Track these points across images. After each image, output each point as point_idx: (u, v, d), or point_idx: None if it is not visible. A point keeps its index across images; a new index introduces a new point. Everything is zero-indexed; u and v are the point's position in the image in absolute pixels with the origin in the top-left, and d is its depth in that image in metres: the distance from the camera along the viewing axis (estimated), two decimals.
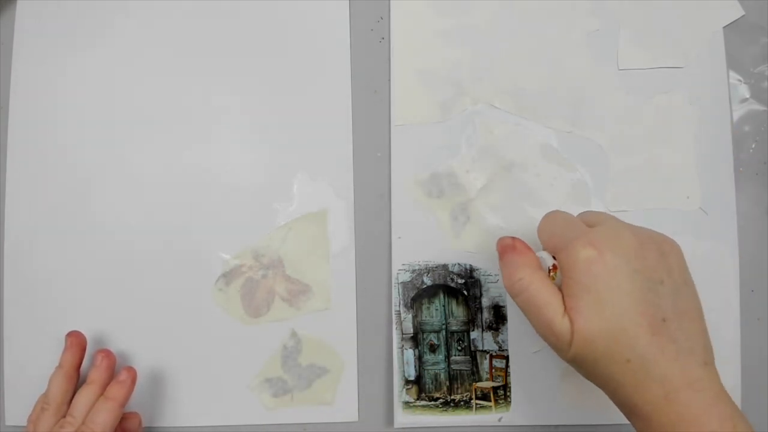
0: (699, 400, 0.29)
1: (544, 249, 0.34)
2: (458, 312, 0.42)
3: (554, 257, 0.33)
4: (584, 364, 0.31)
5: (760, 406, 0.42)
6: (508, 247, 0.33)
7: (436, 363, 0.42)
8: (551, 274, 0.33)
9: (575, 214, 0.35)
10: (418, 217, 0.43)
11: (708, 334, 0.31)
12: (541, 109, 0.44)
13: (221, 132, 0.44)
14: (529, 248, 0.34)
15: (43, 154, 0.44)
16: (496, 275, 0.42)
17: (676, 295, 0.30)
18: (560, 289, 0.31)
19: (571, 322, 0.30)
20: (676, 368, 0.29)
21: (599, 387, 0.31)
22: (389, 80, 0.44)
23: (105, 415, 0.37)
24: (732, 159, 0.43)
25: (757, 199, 0.43)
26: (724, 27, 0.44)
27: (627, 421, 0.42)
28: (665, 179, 0.43)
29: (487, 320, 0.42)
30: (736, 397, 0.41)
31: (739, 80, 0.44)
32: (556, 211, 0.35)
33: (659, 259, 0.31)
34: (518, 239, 0.34)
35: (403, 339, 0.42)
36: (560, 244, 0.32)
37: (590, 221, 0.33)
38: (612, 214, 0.42)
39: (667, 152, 0.44)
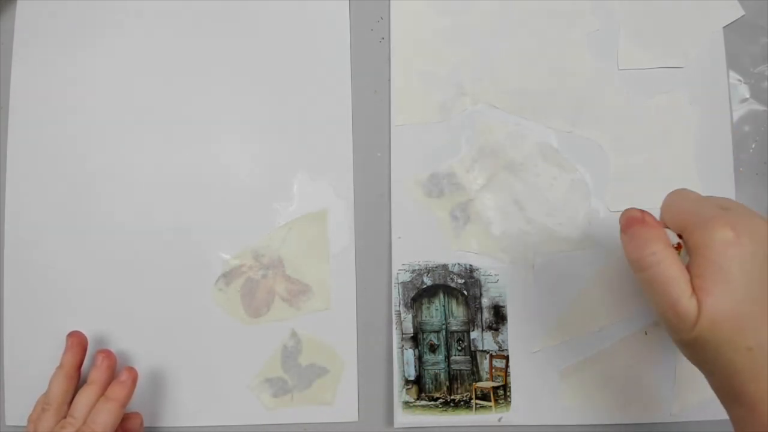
0: None
1: (667, 226, 0.33)
2: (458, 312, 0.42)
3: (679, 236, 0.32)
4: (704, 348, 0.30)
5: None
6: (636, 220, 0.32)
7: (436, 363, 0.42)
8: (676, 252, 0.31)
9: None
10: (418, 217, 0.43)
11: None
12: (541, 109, 0.44)
13: (221, 132, 0.44)
14: (659, 222, 0.32)
15: (43, 154, 0.44)
16: (496, 275, 0.42)
17: None
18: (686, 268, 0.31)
19: (699, 302, 0.29)
20: None
21: (708, 373, 0.31)
22: (389, 80, 0.44)
23: (106, 415, 0.37)
24: (732, 159, 0.43)
25: (757, 199, 0.43)
26: (724, 27, 0.44)
27: (626, 421, 0.42)
28: (665, 179, 0.43)
29: (487, 320, 0.42)
30: None
31: (739, 80, 0.44)
32: (686, 189, 0.34)
33: None
34: (647, 212, 0.32)
35: (403, 339, 0.42)
36: (693, 222, 0.31)
37: (721, 204, 0.32)
38: (611, 214, 0.43)
39: (667, 152, 0.44)
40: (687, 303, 0.29)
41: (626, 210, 0.33)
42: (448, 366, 0.42)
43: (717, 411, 0.41)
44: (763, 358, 0.28)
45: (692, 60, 0.44)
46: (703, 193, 0.43)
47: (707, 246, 0.30)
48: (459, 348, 0.42)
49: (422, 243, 0.43)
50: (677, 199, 0.33)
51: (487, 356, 0.42)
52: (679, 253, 0.31)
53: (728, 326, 0.29)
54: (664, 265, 0.30)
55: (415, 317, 0.42)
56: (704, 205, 0.32)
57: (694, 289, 0.30)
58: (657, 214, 0.42)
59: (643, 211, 0.33)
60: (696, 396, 0.41)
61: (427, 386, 0.42)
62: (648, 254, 0.31)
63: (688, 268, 0.30)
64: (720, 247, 0.29)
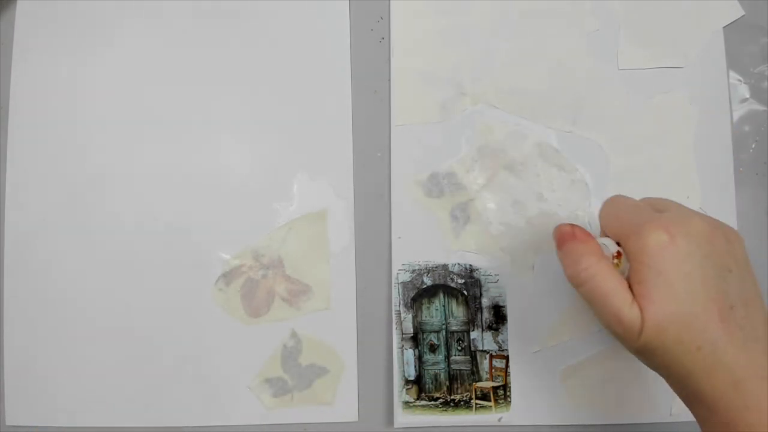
0: (765, 389, 0.28)
1: (604, 235, 0.33)
2: (458, 312, 0.42)
3: (618, 243, 0.32)
4: (654, 354, 0.30)
5: None
6: (567, 235, 0.32)
7: (436, 363, 0.42)
8: (615, 261, 0.31)
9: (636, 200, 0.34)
10: (418, 217, 0.43)
11: None
12: (541, 109, 0.44)
13: (221, 132, 0.44)
14: (590, 235, 0.32)
15: (43, 154, 0.44)
16: (496, 275, 0.42)
17: (742, 283, 0.30)
18: (625, 277, 0.31)
19: (641, 309, 0.29)
20: (744, 356, 0.28)
21: (665, 377, 0.31)
22: (389, 80, 0.44)
23: None
24: (732, 159, 0.43)
25: (757, 199, 0.43)
26: (724, 27, 0.44)
27: (626, 421, 0.42)
28: (665, 179, 0.43)
29: (487, 320, 0.42)
30: None
31: (739, 80, 0.44)
32: (620, 196, 0.34)
33: (727, 246, 0.30)
34: (577, 226, 0.33)
35: (403, 339, 0.42)
36: (628, 229, 0.31)
37: (657, 206, 0.32)
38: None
39: (667, 152, 0.44)
40: (629, 312, 0.29)
41: (558, 226, 0.33)
42: (448, 366, 0.42)
43: None
44: (713, 356, 0.29)
45: (692, 60, 0.44)
46: (703, 194, 0.44)
47: (643, 251, 0.30)
48: (459, 348, 0.42)
49: (422, 243, 0.43)
50: (612, 207, 0.34)
51: (487, 356, 0.42)
52: (620, 262, 0.31)
53: (674, 329, 0.29)
54: (598, 278, 0.30)
55: (415, 317, 0.42)
56: (638, 211, 0.32)
57: (635, 297, 0.30)
58: None
59: (573, 226, 0.33)
60: None
61: (427, 386, 0.42)
62: (581, 270, 0.31)
63: (629, 275, 0.30)
64: (655, 252, 0.29)
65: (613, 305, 0.30)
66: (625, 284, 0.30)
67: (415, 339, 0.42)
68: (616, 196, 0.34)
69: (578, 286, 0.31)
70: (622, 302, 0.29)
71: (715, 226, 0.31)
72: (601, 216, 0.34)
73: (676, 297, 0.29)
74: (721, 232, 0.31)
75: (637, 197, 0.43)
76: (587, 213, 0.43)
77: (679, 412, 0.41)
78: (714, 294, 0.29)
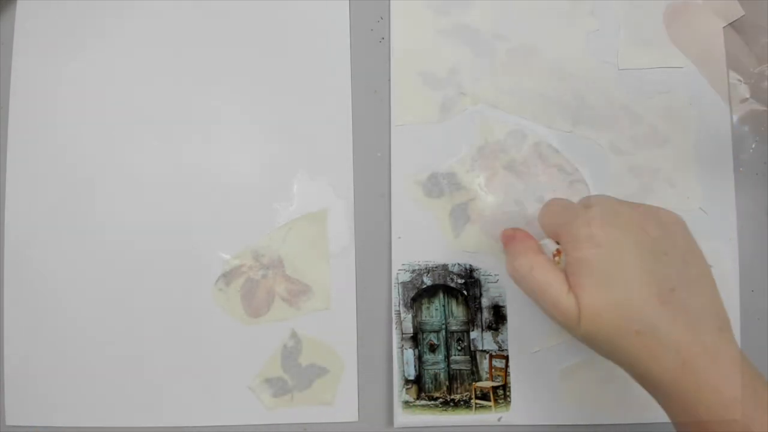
0: (716, 367, 0.29)
1: (546, 237, 0.35)
2: (458, 312, 0.42)
3: (557, 242, 0.33)
4: (596, 341, 0.31)
5: None
6: (509, 238, 0.35)
7: (436, 363, 0.42)
8: (556, 258, 0.33)
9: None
10: (418, 217, 0.43)
11: (721, 302, 0.31)
12: (541, 109, 0.44)
13: (221, 132, 0.44)
14: (529, 235, 0.35)
15: (43, 154, 0.44)
16: (496, 275, 0.42)
17: (683, 264, 0.31)
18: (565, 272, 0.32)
19: (577, 298, 0.30)
20: (689, 336, 0.29)
21: (618, 364, 0.31)
22: (389, 80, 0.44)
23: None
24: (732, 159, 0.43)
25: (757, 199, 0.43)
26: (724, 27, 0.44)
27: (626, 421, 0.42)
28: (665, 179, 0.43)
29: (487, 320, 0.42)
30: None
31: (739, 80, 0.44)
32: (555, 199, 0.36)
33: (660, 230, 0.31)
34: (519, 229, 0.35)
35: (402, 339, 0.42)
36: (560, 227, 0.33)
37: (587, 203, 0.34)
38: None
39: (667, 152, 0.44)
40: (566, 301, 0.31)
41: (503, 231, 0.36)
42: (448, 366, 0.42)
43: None
44: (655, 340, 0.29)
45: (692, 60, 0.44)
46: (703, 194, 0.44)
47: (574, 246, 0.31)
48: (459, 348, 0.42)
49: (422, 243, 0.43)
50: (546, 210, 0.35)
51: (487, 356, 0.42)
52: (560, 259, 0.33)
53: (609, 316, 0.30)
54: (536, 271, 0.32)
55: (414, 317, 0.42)
56: (568, 209, 0.34)
57: (571, 287, 0.31)
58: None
59: (515, 229, 0.35)
60: None
61: (426, 386, 0.42)
62: (518, 266, 0.33)
63: (565, 269, 0.32)
64: (585, 244, 0.31)
65: (550, 296, 0.31)
66: (561, 276, 0.32)
67: (415, 339, 0.42)
68: (551, 200, 0.36)
69: (518, 283, 0.33)
70: (559, 292, 0.31)
71: (646, 213, 0.32)
72: (539, 219, 0.35)
73: (608, 284, 0.30)
74: (653, 217, 0.32)
75: (637, 197, 0.43)
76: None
77: None
78: (648, 278, 0.30)
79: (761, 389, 0.29)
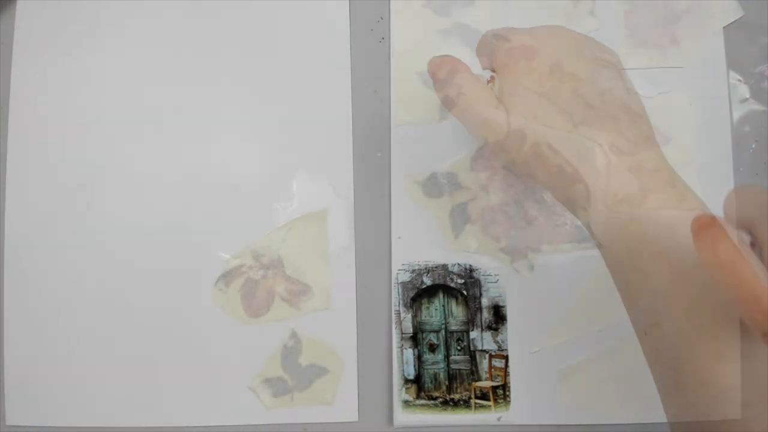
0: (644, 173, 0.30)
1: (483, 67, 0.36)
2: (458, 312, 0.42)
3: (492, 71, 0.34)
4: (522, 147, 0.33)
5: None
6: (707, 224, 0.32)
7: (436, 362, 0.42)
8: (489, 84, 0.34)
9: None
10: (418, 217, 0.43)
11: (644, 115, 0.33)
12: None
13: (221, 132, 0.44)
14: (465, 66, 0.35)
15: (43, 153, 0.44)
16: (495, 275, 0.43)
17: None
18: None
19: (507, 109, 0.32)
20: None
21: (546, 185, 0.34)
22: (389, 80, 0.44)
23: None
24: (732, 159, 0.43)
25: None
26: (724, 27, 0.44)
27: (626, 421, 0.42)
28: (665, 179, 0.43)
29: (487, 320, 0.42)
30: (737, 397, 0.41)
31: (739, 80, 0.44)
32: (747, 186, 0.35)
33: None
34: (716, 216, 0.33)
35: (402, 339, 0.42)
36: (496, 56, 0.34)
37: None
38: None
39: (667, 152, 0.43)
40: (494, 112, 0.32)
41: (696, 217, 0.32)
42: (448, 366, 0.42)
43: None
44: (576, 135, 0.32)
45: (692, 60, 0.44)
46: (703, 195, 0.44)
47: (505, 65, 0.33)
48: (458, 348, 0.42)
49: (422, 243, 0.43)
50: (740, 197, 0.33)
51: (487, 356, 0.42)
52: (493, 86, 0.34)
53: (534, 122, 0.32)
54: (465, 88, 0.33)
55: (414, 317, 0.42)
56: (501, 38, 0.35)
57: (499, 104, 0.32)
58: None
59: (713, 215, 0.32)
60: None
61: (426, 385, 0.42)
62: (454, 95, 0.33)
63: (499, 93, 0.33)
64: (514, 73, 0.33)
65: (480, 110, 0.32)
66: (491, 93, 0.33)
67: (415, 339, 0.42)
68: (741, 187, 0.33)
69: (452, 108, 0.34)
70: (488, 103, 0.32)
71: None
72: (727, 208, 0.33)
73: (528, 91, 0.33)
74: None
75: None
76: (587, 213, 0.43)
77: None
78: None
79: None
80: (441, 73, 0.34)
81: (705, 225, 0.32)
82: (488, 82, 0.34)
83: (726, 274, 0.30)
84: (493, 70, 0.34)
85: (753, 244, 0.31)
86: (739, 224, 0.32)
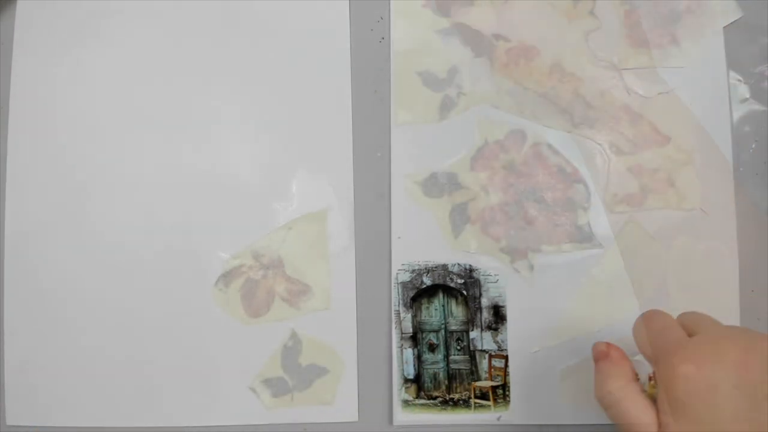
0: None
1: (640, 353, 0.32)
2: (457, 312, 0.42)
3: (650, 362, 0.31)
4: None
5: None
6: (602, 354, 0.32)
7: (435, 362, 0.42)
8: (651, 382, 0.31)
9: (673, 316, 0.33)
10: (418, 217, 0.43)
11: None
12: (541, 109, 0.44)
13: (221, 132, 0.44)
14: (624, 357, 0.32)
15: (43, 154, 0.44)
16: (495, 275, 0.43)
17: None
18: (655, 400, 0.30)
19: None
20: None
21: None
22: (389, 80, 0.44)
23: None
24: (732, 159, 0.43)
25: (757, 199, 0.43)
26: (724, 27, 0.44)
27: None
28: (665, 179, 0.43)
29: (487, 320, 0.42)
30: None
31: (739, 80, 0.44)
32: (653, 313, 0.33)
33: (765, 369, 0.28)
34: (613, 346, 0.32)
35: (402, 338, 0.42)
36: (658, 355, 0.30)
37: (689, 327, 0.31)
38: (611, 214, 0.43)
39: (667, 152, 0.44)
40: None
41: (595, 344, 0.33)
42: (447, 365, 0.42)
43: None
44: None
45: (692, 60, 0.44)
46: (703, 194, 0.44)
47: (670, 382, 0.29)
48: (458, 347, 0.42)
49: (422, 243, 0.43)
50: (644, 328, 0.33)
51: (486, 356, 0.42)
52: (655, 383, 0.31)
53: None
54: (624, 404, 0.30)
55: (414, 317, 0.42)
56: (668, 334, 0.31)
57: (660, 426, 0.29)
58: (657, 214, 0.43)
59: (609, 345, 0.33)
60: None
61: (426, 385, 0.42)
62: (606, 393, 0.31)
63: (657, 401, 0.30)
64: (681, 384, 0.28)
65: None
66: (652, 413, 0.29)
67: (415, 338, 0.42)
68: (650, 313, 0.33)
69: (605, 409, 0.31)
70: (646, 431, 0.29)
71: (750, 348, 0.29)
72: (634, 334, 0.33)
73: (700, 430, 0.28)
74: (758, 353, 0.28)
75: (637, 197, 0.43)
76: (587, 212, 0.43)
77: None
78: (742, 426, 0.27)
79: None
80: (605, 367, 0.32)
81: (600, 355, 0.33)
82: (650, 378, 0.32)
83: (612, 415, 0.31)
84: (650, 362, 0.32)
85: (651, 376, 0.31)
86: (641, 349, 0.32)
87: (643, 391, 0.31)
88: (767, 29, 0.44)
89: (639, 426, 0.29)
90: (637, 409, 0.30)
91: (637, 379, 0.31)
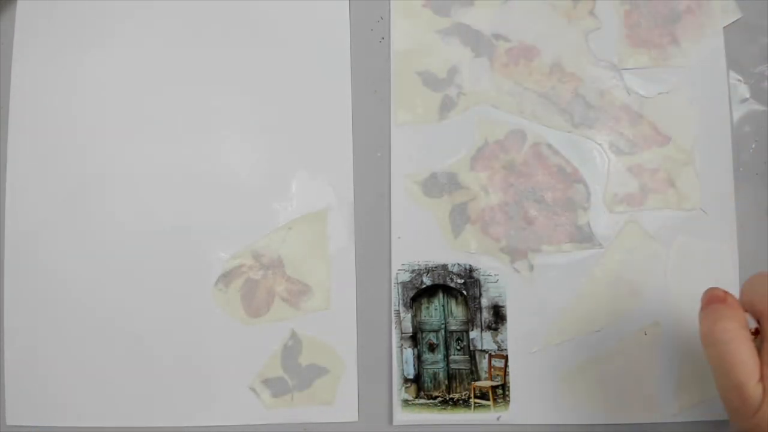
0: None
1: (746, 311, 0.33)
2: (457, 312, 0.42)
3: (758, 321, 0.32)
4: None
5: None
6: (718, 298, 0.32)
7: (435, 362, 0.42)
8: (752, 337, 0.31)
9: None
10: (418, 217, 0.43)
11: None
12: (541, 109, 0.44)
13: (221, 132, 0.44)
14: (739, 305, 0.32)
15: (43, 153, 0.44)
16: (495, 275, 0.43)
17: None
18: (759, 352, 0.30)
19: (765, 390, 0.29)
20: None
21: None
22: (389, 80, 0.44)
23: None
24: (732, 159, 0.43)
25: (757, 199, 0.43)
26: (724, 27, 0.44)
27: (625, 421, 0.42)
28: (665, 179, 0.43)
29: (486, 320, 0.42)
30: None
31: (739, 80, 0.44)
32: (764, 273, 0.33)
33: None
34: (731, 294, 0.33)
35: (402, 338, 0.42)
36: (765, 311, 0.31)
37: None
38: (611, 214, 0.43)
39: (667, 152, 0.44)
40: (753, 389, 0.29)
41: (710, 289, 0.33)
42: (447, 365, 0.42)
43: (717, 411, 0.41)
44: None
45: (692, 60, 0.44)
46: (703, 194, 0.44)
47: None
48: (458, 347, 0.42)
49: (422, 243, 0.43)
50: (756, 284, 0.33)
51: (486, 356, 0.42)
52: (756, 339, 0.31)
53: None
54: (734, 344, 0.30)
55: (414, 317, 0.42)
56: None
57: (762, 377, 0.29)
58: (657, 214, 0.43)
59: (726, 292, 0.32)
60: (696, 396, 0.42)
61: (425, 385, 0.42)
62: (719, 329, 0.31)
63: (761, 354, 0.30)
64: None
65: (740, 376, 0.29)
66: (757, 360, 0.30)
67: (415, 338, 0.42)
68: (761, 274, 0.33)
69: (711, 345, 0.31)
70: (749, 377, 0.29)
71: None
72: (743, 290, 0.33)
73: None
74: None
75: (637, 197, 0.43)
76: (587, 212, 0.43)
77: (679, 412, 0.41)
78: None
79: None
80: (719, 309, 0.32)
81: (714, 299, 0.32)
82: (753, 332, 0.31)
83: (717, 354, 0.30)
84: (758, 321, 0.32)
85: (757, 331, 0.31)
86: (750, 309, 0.32)
87: (752, 340, 0.31)
88: (767, 29, 0.44)
89: (745, 366, 0.29)
90: (746, 352, 0.30)
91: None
